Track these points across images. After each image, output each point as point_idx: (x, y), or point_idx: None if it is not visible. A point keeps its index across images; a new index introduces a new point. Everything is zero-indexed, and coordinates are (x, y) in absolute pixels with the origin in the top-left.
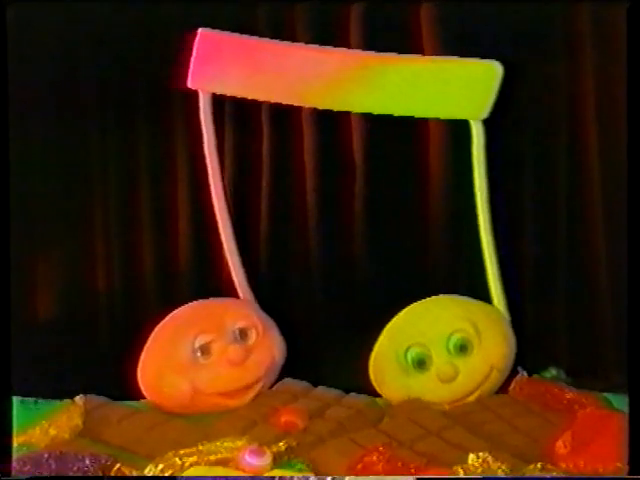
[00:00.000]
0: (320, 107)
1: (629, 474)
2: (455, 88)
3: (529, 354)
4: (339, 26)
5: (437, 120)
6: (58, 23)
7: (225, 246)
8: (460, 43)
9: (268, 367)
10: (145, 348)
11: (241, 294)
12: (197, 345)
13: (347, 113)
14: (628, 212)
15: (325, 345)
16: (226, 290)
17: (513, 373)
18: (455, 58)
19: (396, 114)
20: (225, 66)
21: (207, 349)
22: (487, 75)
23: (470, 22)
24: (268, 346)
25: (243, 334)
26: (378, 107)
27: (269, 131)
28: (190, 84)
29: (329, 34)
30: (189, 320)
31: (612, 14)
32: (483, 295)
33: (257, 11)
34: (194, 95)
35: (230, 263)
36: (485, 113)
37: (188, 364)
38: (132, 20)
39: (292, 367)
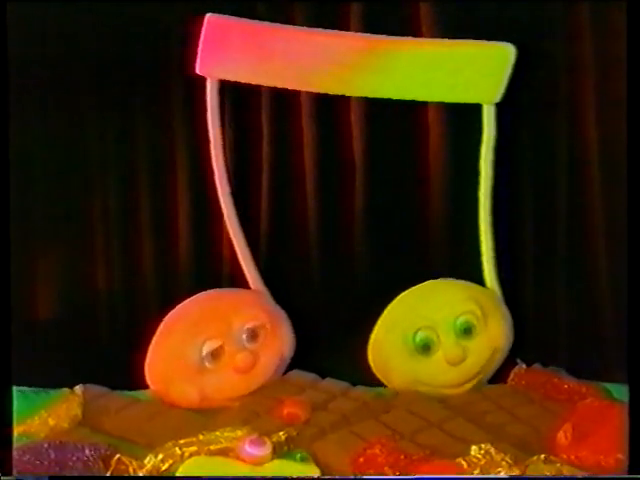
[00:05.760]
0: (330, 92)
1: (629, 467)
2: (467, 71)
3: (529, 352)
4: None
5: (436, 119)
6: (57, 15)
7: (233, 238)
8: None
9: (276, 369)
10: (152, 345)
11: (252, 285)
12: (205, 352)
13: (347, 111)
14: (628, 210)
15: (331, 338)
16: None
17: (512, 364)
18: (467, 41)
19: (407, 98)
20: (233, 52)
21: (215, 355)
22: (500, 58)
23: (469, 21)
24: (277, 345)
25: (252, 334)
26: (388, 92)
27: (269, 129)
28: (198, 70)
29: None
30: (197, 323)
31: (612, 11)
32: None
33: (257, 11)
34: (195, 91)
35: (239, 254)
36: (498, 97)
37: (196, 370)
38: (133, 11)
39: (299, 360)
